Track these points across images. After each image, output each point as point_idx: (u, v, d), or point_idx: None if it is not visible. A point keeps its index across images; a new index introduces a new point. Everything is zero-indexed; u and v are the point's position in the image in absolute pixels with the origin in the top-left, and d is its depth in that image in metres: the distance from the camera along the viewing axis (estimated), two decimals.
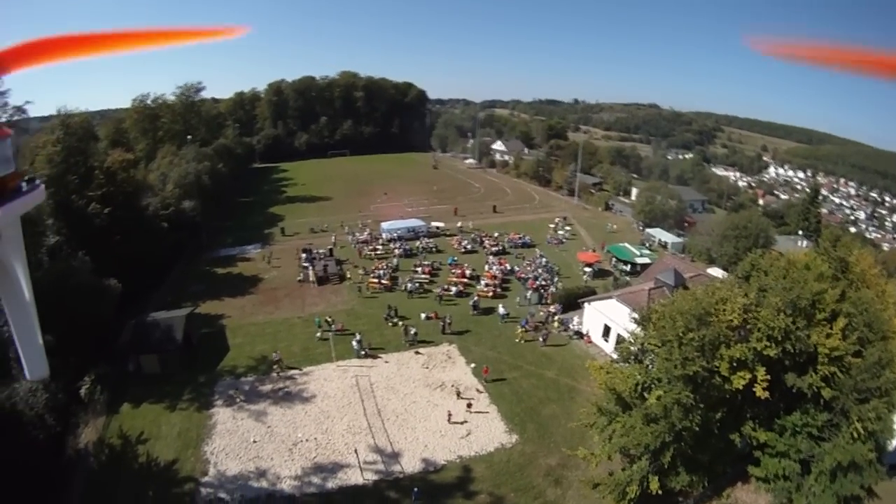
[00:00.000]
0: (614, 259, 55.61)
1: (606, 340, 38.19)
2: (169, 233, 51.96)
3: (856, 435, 22.21)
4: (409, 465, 26.94)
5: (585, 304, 40.94)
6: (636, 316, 26.56)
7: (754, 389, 22.85)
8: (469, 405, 31.18)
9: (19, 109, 35.97)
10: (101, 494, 25.27)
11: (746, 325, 24.39)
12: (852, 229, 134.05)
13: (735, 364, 23.15)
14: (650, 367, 24.36)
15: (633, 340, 25.54)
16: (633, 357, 25.69)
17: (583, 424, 25.42)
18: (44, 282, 32.30)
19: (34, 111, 45.60)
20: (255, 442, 28.54)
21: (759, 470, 24.83)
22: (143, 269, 44.96)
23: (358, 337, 37.76)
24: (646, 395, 23.28)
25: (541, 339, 39.36)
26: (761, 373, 22.95)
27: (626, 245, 57.53)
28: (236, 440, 28.68)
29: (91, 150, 48.36)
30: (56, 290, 31.96)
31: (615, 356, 29.83)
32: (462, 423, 30.11)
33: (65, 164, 41.97)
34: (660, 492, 22.67)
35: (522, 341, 39.24)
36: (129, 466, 27.15)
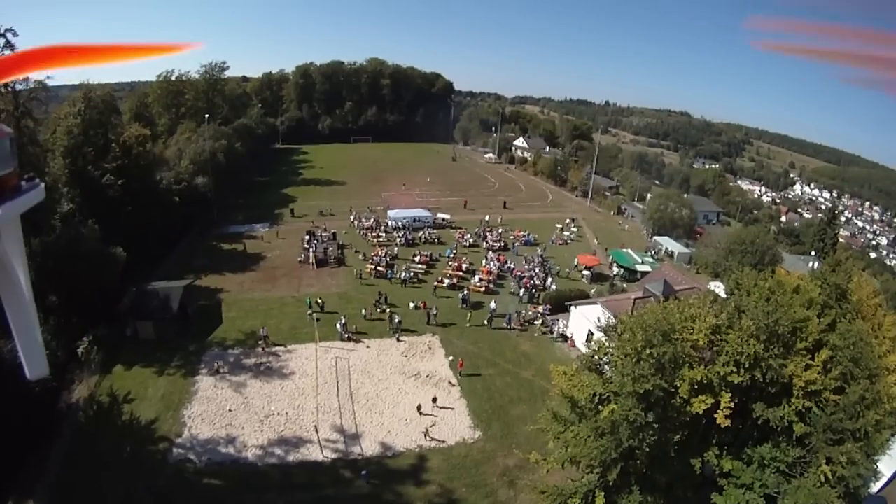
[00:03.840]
0: (615, 264, 55.51)
1: (589, 346, 38.36)
2: (180, 207, 53.72)
3: (823, 479, 20.88)
4: (369, 448, 27.94)
5: (572, 308, 41.15)
6: (602, 324, 26.76)
7: (715, 416, 21.93)
8: (434, 399, 31.64)
9: (41, 84, 37.47)
10: (85, 446, 27.13)
11: (713, 346, 24.04)
12: (872, 254, 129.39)
13: (696, 387, 22.37)
14: (610, 379, 24.40)
15: (596, 349, 25.67)
16: (595, 366, 25.74)
17: (538, 429, 25.74)
18: (54, 246, 34.31)
19: (65, 80, 47.04)
20: (230, 411, 29.98)
21: (722, 499, 23.53)
22: (152, 239, 46.82)
23: (343, 320, 38.80)
24: (601, 407, 23.01)
25: (485, 321, 40.88)
26: (725, 399, 21.94)
27: (629, 251, 57.12)
28: (213, 407, 30.21)
29: (111, 124, 50.31)
30: (65, 255, 33.81)
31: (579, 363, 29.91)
32: (428, 415, 30.76)
33: (83, 136, 43.91)
34: None
35: (470, 325, 40.74)
36: (113, 423, 28.98)
